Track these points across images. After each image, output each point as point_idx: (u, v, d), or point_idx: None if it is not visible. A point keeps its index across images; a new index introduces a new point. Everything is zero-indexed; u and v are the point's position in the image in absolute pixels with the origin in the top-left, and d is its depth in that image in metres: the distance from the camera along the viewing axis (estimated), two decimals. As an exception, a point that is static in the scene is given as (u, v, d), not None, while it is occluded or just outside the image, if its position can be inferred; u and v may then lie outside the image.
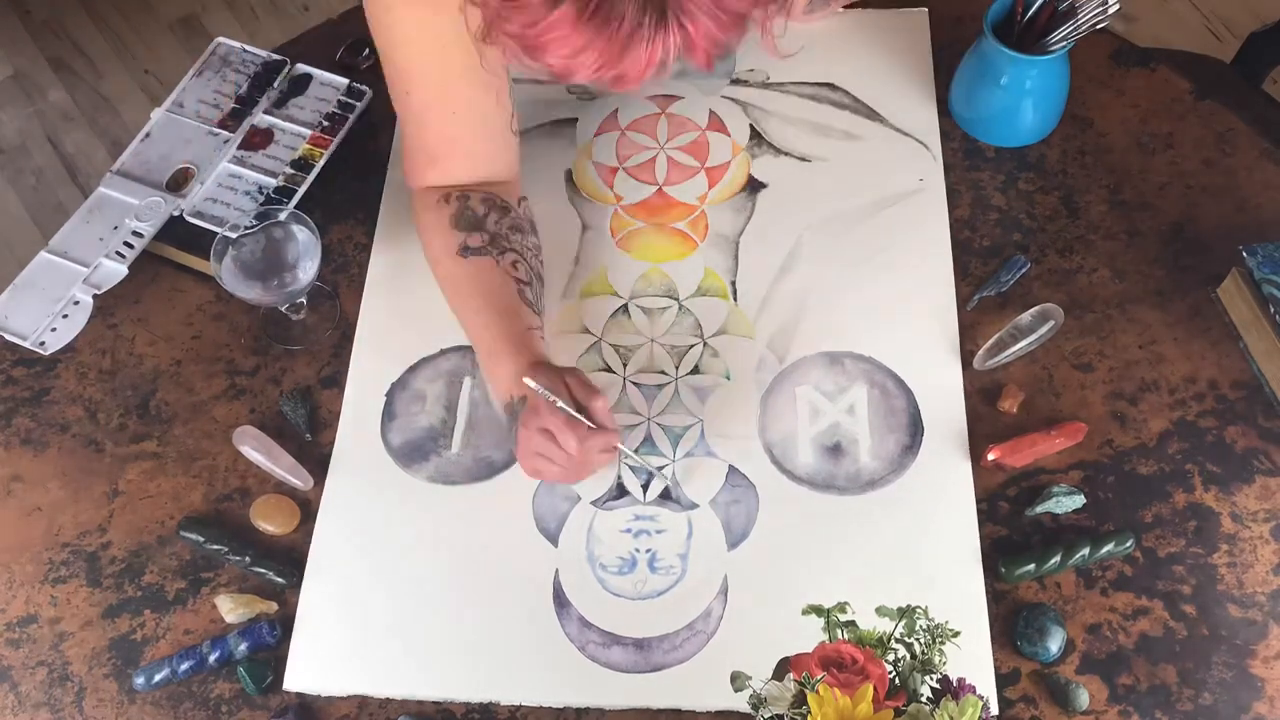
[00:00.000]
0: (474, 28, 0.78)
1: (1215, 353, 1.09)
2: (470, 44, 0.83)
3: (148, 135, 1.23)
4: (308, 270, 1.08)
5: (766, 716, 0.77)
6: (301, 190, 1.19)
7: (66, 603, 1.03)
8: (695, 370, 1.11)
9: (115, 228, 1.17)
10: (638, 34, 0.68)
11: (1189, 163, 1.20)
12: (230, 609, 1.00)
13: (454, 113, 1.04)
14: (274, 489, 1.07)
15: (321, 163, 1.21)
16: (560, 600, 1.00)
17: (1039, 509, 1.02)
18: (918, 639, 0.79)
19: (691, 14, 0.68)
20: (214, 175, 1.20)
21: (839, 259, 1.16)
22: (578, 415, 0.96)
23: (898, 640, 0.79)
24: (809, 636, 0.80)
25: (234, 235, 1.08)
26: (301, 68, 1.27)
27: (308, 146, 1.22)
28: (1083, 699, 0.94)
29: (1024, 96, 1.17)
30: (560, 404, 0.95)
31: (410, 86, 1.03)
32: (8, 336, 1.12)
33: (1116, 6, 1.08)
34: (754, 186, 1.21)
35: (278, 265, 1.09)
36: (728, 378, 1.10)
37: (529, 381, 0.95)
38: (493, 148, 1.08)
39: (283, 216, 1.10)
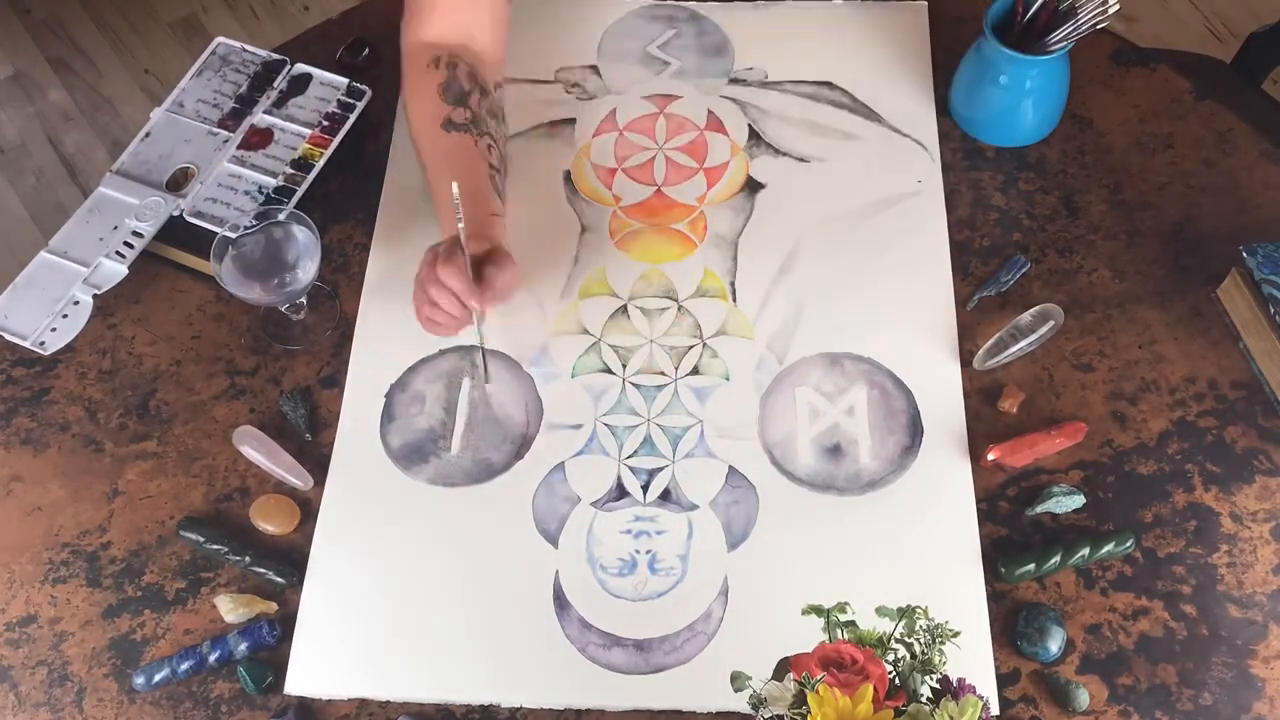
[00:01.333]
0: None
1: (1215, 353, 1.09)
2: None
3: (148, 135, 1.23)
4: (308, 270, 1.08)
5: (766, 717, 0.77)
6: (301, 190, 1.19)
7: (66, 603, 1.03)
8: (695, 371, 1.11)
9: (115, 228, 1.17)
10: None
11: (1189, 163, 1.20)
12: (230, 609, 1.00)
13: None
14: (274, 489, 1.07)
15: (321, 163, 1.21)
16: (560, 602, 1.00)
17: (1039, 509, 1.02)
18: (918, 639, 0.79)
19: None
20: (214, 175, 1.20)
21: (838, 259, 1.16)
22: (468, 269, 1.00)
23: (898, 640, 0.79)
24: (809, 636, 0.80)
25: (234, 235, 1.08)
26: (301, 67, 1.27)
27: (307, 146, 1.22)
28: (1083, 699, 0.94)
29: (1024, 96, 1.17)
30: (462, 247, 1.00)
31: None
32: (8, 336, 1.12)
33: (1116, 6, 1.08)
34: (753, 187, 1.21)
35: (278, 265, 1.09)
36: (727, 378, 1.10)
37: (455, 190, 0.98)
38: (484, 15, 1.16)
39: (282, 216, 1.10)
